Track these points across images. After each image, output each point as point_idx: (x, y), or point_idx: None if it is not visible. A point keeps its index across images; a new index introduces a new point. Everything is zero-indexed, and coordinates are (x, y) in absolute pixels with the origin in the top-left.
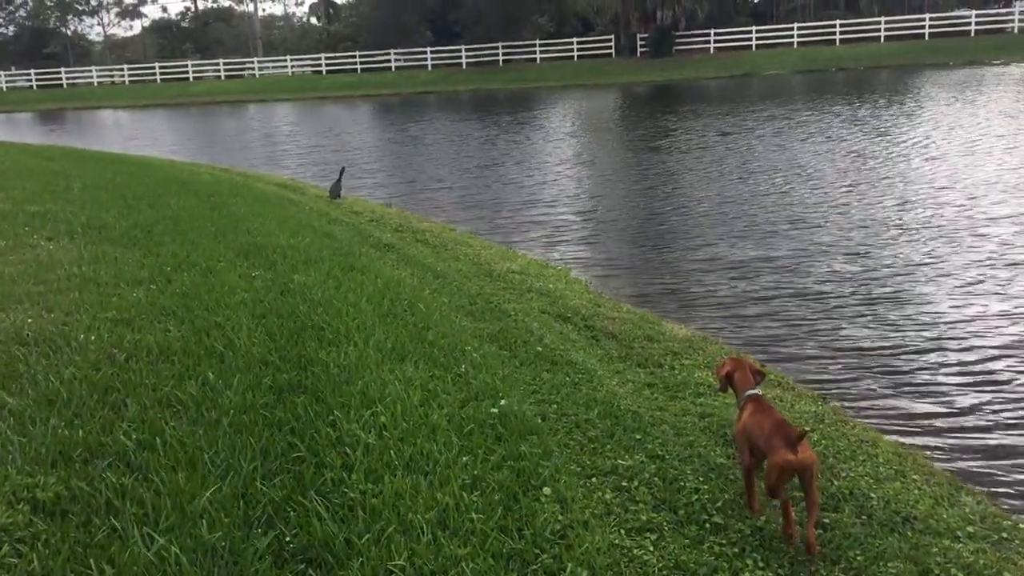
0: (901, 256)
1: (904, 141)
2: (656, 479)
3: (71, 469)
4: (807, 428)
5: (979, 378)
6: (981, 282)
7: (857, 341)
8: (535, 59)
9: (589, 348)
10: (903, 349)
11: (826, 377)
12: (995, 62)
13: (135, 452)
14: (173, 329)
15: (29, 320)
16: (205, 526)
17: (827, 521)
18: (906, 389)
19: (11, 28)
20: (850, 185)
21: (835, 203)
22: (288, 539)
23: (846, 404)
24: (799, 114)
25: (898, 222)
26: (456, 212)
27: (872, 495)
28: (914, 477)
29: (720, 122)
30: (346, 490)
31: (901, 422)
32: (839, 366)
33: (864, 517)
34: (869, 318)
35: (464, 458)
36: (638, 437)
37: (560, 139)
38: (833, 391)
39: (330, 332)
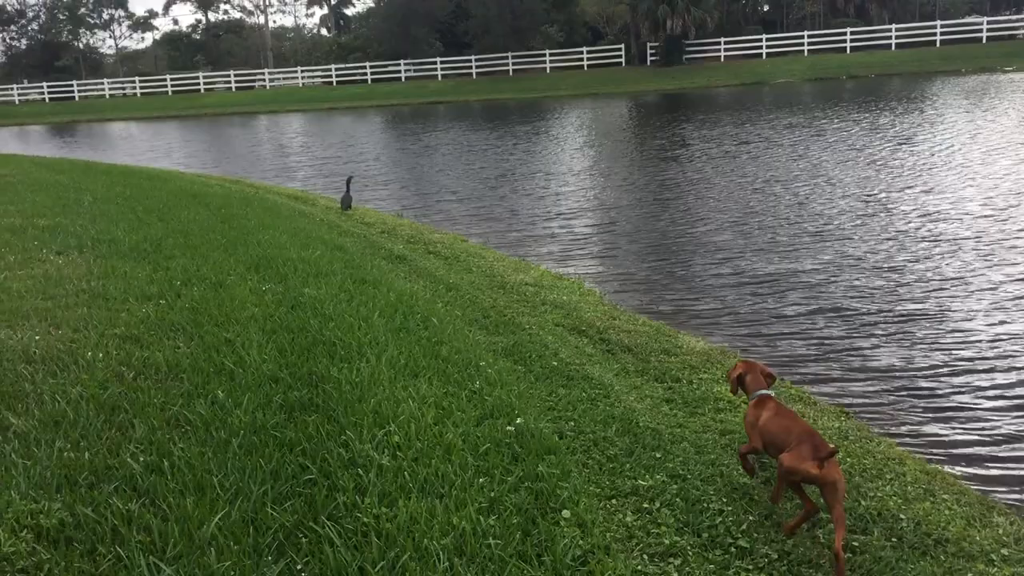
0: (933, 270)
1: (928, 150)
2: (678, 500)
3: (76, 494)
4: (833, 445)
5: (1016, 401)
6: (1020, 298)
7: (885, 360)
8: (545, 68)
9: (605, 362)
10: (934, 369)
11: (852, 398)
12: (1007, 69)
13: (142, 475)
14: (182, 346)
15: (36, 337)
16: (214, 554)
17: (856, 544)
18: (937, 411)
19: (24, 41)
20: (877, 195)
21: (862, 214)
22: (299, 567)
23: (872, 423)
24: (818, 122)
25: (929, 234)
26: (469, 223)
27: (902, 516)
28: (944, 496)
29: (738, 131)
30: (359, 515)
31: (931, 445)
32: (866, 386)
33: (894, 539)
34: (898, 336)
35: (480, 479)
36: (658, 456)
37: (575, 149)
38: (859, 411)
39: (342, 348)
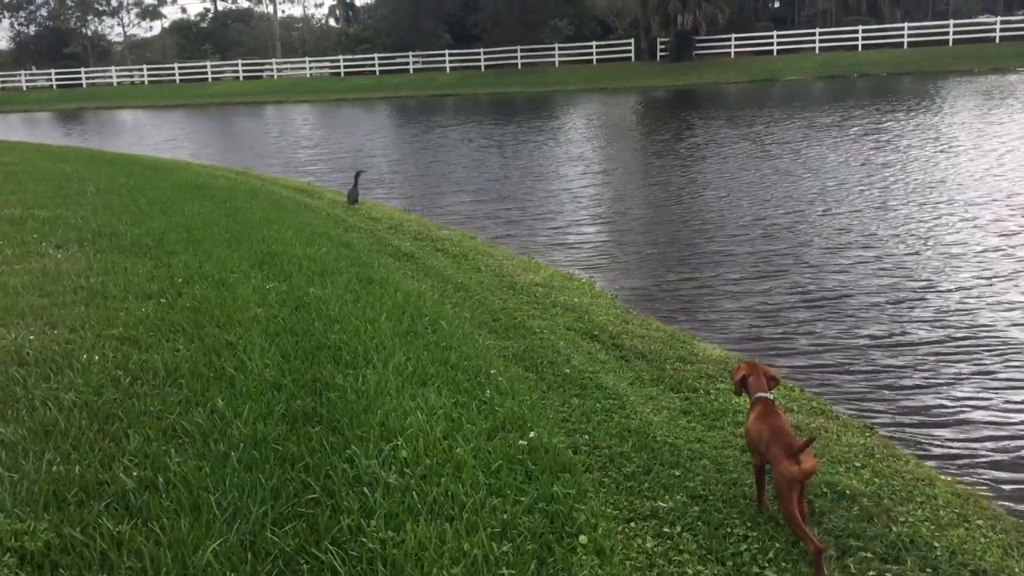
0: (1009, 294)
1: (981, 155)
2: (700, 523)
3: (65, 513)
4: (799, 439)
5: None
6: None
7: (945, 398)
8: (554, 62)
9: (619, 370)
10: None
11: (881, 416)
12: (1019, 69)
13: (135, 492)
14: (182, 348)
15: (31, 337)
16: None
17: None
18: (992, 459)
19: (32, 28)
20: (930, 203)
21: (922, 224)
22: None
23: (897, 441)
24: (851, 122)
25: (1005, 248)
26: (477, 220)
27: (936, 544)
28: (978, 522)
29: (771, 130)
30: (364, 539)
31: (962, 469)
32: (909, 413)
33: (929, 570)
34: (960, 367)
35: (493, 500)
36: (677, 474)
37: (594, 147)
38: (889, 430)
39: (347, 352)
